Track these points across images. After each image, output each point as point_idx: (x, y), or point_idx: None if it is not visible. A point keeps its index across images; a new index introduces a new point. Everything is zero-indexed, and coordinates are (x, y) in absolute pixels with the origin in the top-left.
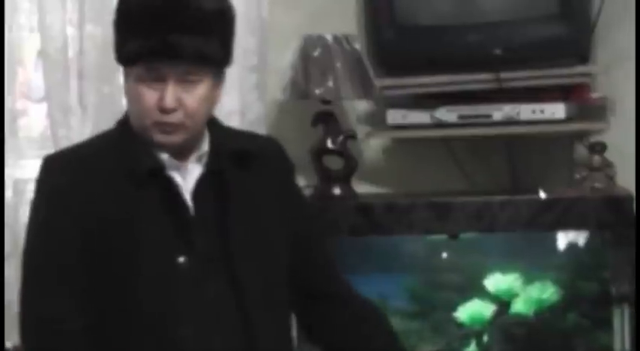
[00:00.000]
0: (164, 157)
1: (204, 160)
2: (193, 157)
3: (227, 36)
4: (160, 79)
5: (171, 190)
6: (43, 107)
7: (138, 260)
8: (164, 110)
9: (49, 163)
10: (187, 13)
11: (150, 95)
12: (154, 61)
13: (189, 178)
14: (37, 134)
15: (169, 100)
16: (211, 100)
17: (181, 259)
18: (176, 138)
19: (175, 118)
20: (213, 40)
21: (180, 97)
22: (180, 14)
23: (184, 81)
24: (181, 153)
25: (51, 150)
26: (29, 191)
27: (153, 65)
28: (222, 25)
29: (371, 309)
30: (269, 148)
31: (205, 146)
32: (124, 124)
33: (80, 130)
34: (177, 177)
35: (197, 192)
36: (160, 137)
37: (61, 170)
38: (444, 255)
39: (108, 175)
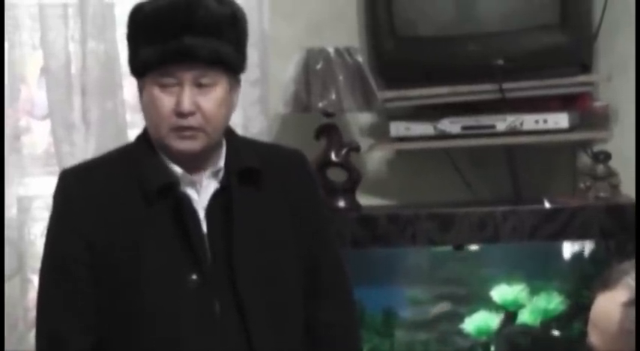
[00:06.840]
0: (178, 172)
1: (220, 175)
2: (208, 173)
3: (240, 40)
4: (175, 84)
5: (185, 206)
6: (47, 124)
7: (147, 278)
8: (181, 114)
9: (63, 178)
10: (200, 16)
11: (166, 100)
12: (170, 64)
13: (203, 194)
14: (41, 151)
15: (186, 103)
16: (228, 105)
17: (193, 277)
18: (195, 144)
19: (193, 121)
20: (226, 43)
21: (196, 101)
22: (194, 18)
23: (199, 85)
24: (196, 167)
25: (55, 167)
26: (34, 208)
27: (168, 70)
28: (234, 29)
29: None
30: (289, 162)
31: (221, 162)
32: (141, 138)
33: (84, 147)
34: (192, 193)
35: (210, 208)
36: (178, 143)
37: (73, 185)
38: (450, 266)
39: (121, 191)
